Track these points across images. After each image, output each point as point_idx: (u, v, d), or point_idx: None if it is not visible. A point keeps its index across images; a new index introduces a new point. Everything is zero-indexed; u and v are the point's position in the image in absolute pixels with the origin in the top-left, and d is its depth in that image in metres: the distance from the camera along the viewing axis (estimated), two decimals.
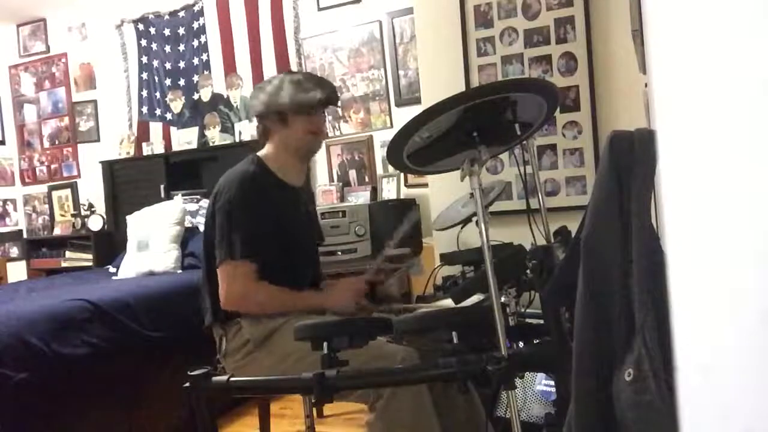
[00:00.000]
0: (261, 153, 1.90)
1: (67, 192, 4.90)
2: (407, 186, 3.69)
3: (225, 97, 4.31)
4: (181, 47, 4.42)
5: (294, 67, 4.04)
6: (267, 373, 1.67)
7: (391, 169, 3.68)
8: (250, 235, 1.73)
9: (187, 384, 1.38)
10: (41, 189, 5.01)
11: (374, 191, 3.73)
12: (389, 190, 3.68)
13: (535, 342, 1.47)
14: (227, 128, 4.28)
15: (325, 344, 1.32)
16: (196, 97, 4.40)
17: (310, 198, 2.12)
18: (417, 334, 1.57)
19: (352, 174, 3.91)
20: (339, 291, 1.88)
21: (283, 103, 1.83)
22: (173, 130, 4.48)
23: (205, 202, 3.58)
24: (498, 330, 1.20)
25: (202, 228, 2.14)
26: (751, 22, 0.35)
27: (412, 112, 1.51)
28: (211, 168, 4.04)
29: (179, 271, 3.35)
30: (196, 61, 4.38)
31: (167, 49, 4.47)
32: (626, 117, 2.32)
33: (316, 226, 2.15)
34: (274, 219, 1.79)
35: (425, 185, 3.28)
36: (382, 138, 3.80)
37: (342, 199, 3.80)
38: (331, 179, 3.95)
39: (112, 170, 4.43)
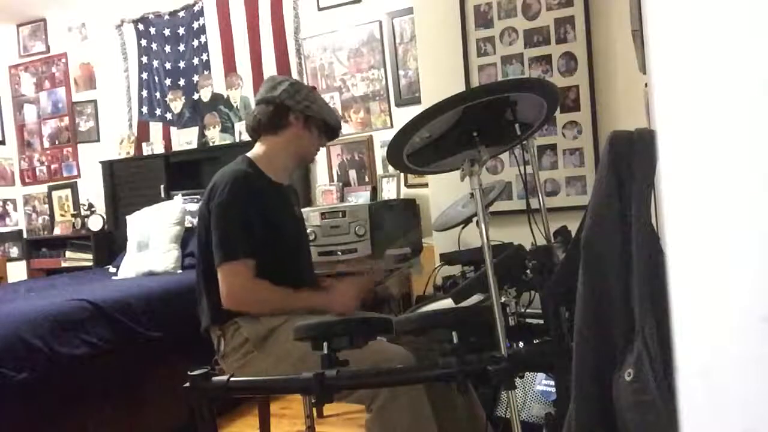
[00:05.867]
0: (251, 154, 1.92)
1: (67, 192, 4.90)
2: (407, 186, 3.69)
3: (225, 97, 4.31)
4: (181, 47, 4.42)
5: (294, 67, 4.05)
6: (266, 374, 1.67)
7: (391, 169, 3.68)
8: (245, 234, 1.73)
9: (187, 384, 1.38)
10: (41, 189, 5.02)
11: (374, 191, 3.73)
12: (389, 190, 3.68)
13: (535, 342, 1.47)
14: (227, 128, 4.28)
15: (325, 344, 1.32)
16: (196, 97, 4.40)
17: (297, 198, 2.15)
18: (417, 334, 1.57)
19: (352, 174, 3.91)
20: (341, 292, 1.89)
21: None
22: (173, 130, 4.48)
23: None
24: (498, 330, 1.20)
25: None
26: (751, 22, 0.35)
27: (412, 112, 1.51)
28: (211, 168, 4.03)
29: (179, 271, 3.35)
30: (196, 61, 4.38)
31: (167, 49, 4.47)
32: (626, 117, 2.32)
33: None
34: (268, 218, 1.79)
35: (425, 185, 3.28)
36: (382, 138, 3.80)
37: (342, 199, 3.80)
38: (331, 179, 3.95)
39: (112, 170, 4.44)
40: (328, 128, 1.98)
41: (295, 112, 1.89)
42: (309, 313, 1.77)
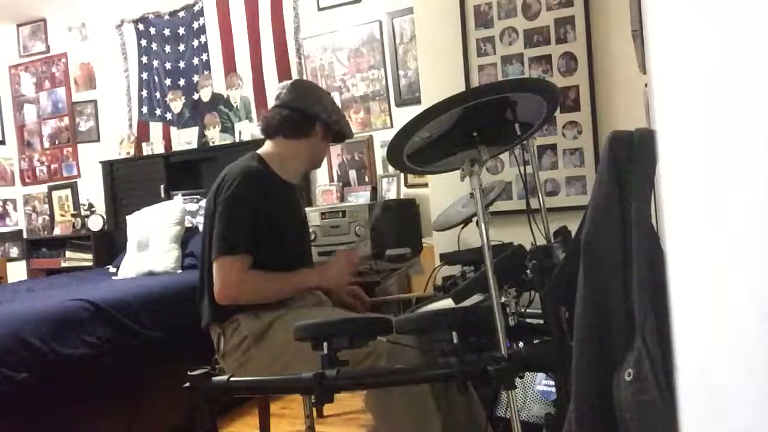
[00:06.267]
0: (262, 152, 1.91)
1: (67, 192, 4.90)
2: (407, 186, 3.69)
3: (225, 97, 4.31)
4: (181, 47, 4.42)
5: (294, 67, 4.04)
6: (265, 369, 1.67)
7: (391, 169, 3.68)
8: (249, 230, 1.73)
9: (187, 384, 1.38)
10: (41, 189, 5.01)
11: (374, 191, 3.73)
12: (389, 190, 3.68)
13: (535, 342, 1.47)
14: (227, 128, 4.28)
15: (325, 344, 1.32)
16: (196, 97, 4.40)
17: (303, 197, 2.17)
18: (417, 334, 1.57)
19: (352, 174, 3.91)
20: (331, 267, 1.93)
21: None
22: (173, 130, 4.48)
23: (204, 202, 3.59)
24: (498, 330, 1.20)
25: (201, 228, 2.15)
26: (751, 22, 0.35)
27: (412, 112, 1.51)
28: (211, 168, 4.04)
29: (179, 271, 3.35)
30: (196, 61, 4.38)
31: (167, 49, 4.47)
32: (626, 117, 2.32)
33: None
34: (274, 216, 1.79)
35: (425, 185, 3.28)
36: (382, 138, 3.80)
37: (342, 199, 3.80)
38: (331, 179, 3.95)
39: (112, 170, 4.44)
40: (339, 136, 2.02)
41: (322, 124, 1.92)
42: (308, 308, 1.78)
